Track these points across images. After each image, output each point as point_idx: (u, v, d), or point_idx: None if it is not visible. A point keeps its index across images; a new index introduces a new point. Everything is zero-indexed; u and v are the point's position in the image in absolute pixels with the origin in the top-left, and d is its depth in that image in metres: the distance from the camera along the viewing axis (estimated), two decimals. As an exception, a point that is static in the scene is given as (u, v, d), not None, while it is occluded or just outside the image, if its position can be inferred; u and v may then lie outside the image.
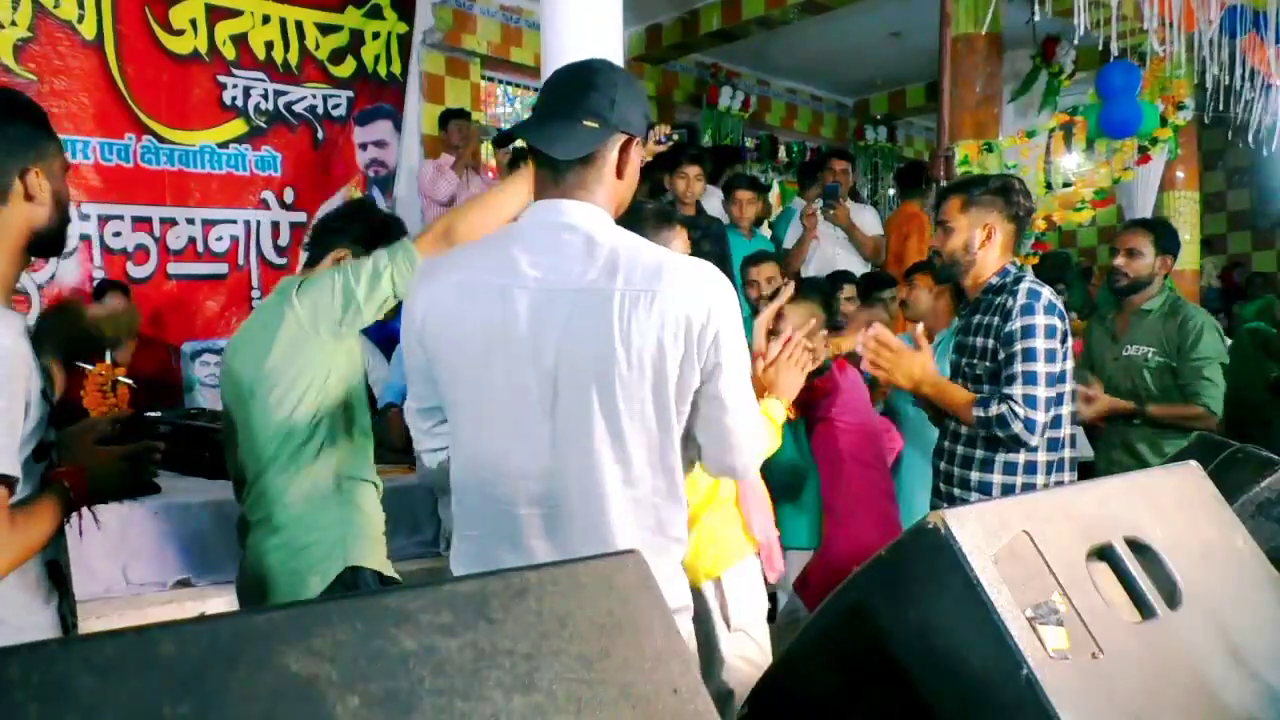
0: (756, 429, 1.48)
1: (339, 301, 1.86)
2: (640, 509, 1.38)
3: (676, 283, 1.32)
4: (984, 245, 2.36)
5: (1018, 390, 2.21)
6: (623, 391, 1.32)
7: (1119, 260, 3.22)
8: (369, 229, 2.03)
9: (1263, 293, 8.04)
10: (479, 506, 1.43)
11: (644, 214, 1.97)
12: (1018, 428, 2.20)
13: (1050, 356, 2.22)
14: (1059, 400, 2.28)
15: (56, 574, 1.48)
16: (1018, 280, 2.32)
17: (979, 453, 2.35)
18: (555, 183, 1.40)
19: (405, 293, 1.85)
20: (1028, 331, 2.23)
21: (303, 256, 2.14)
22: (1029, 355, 2.22)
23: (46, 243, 1.47)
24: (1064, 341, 2.27)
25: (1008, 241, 2.38)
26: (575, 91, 1.41)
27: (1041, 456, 2.30)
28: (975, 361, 2.36)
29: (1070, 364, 2.32)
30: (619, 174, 1.43)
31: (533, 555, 1.38)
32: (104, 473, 1.51)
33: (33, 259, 1.50)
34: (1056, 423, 2.30)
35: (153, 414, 3.51)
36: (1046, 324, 2.23)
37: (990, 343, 2.31)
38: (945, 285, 3.35)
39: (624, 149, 1.42)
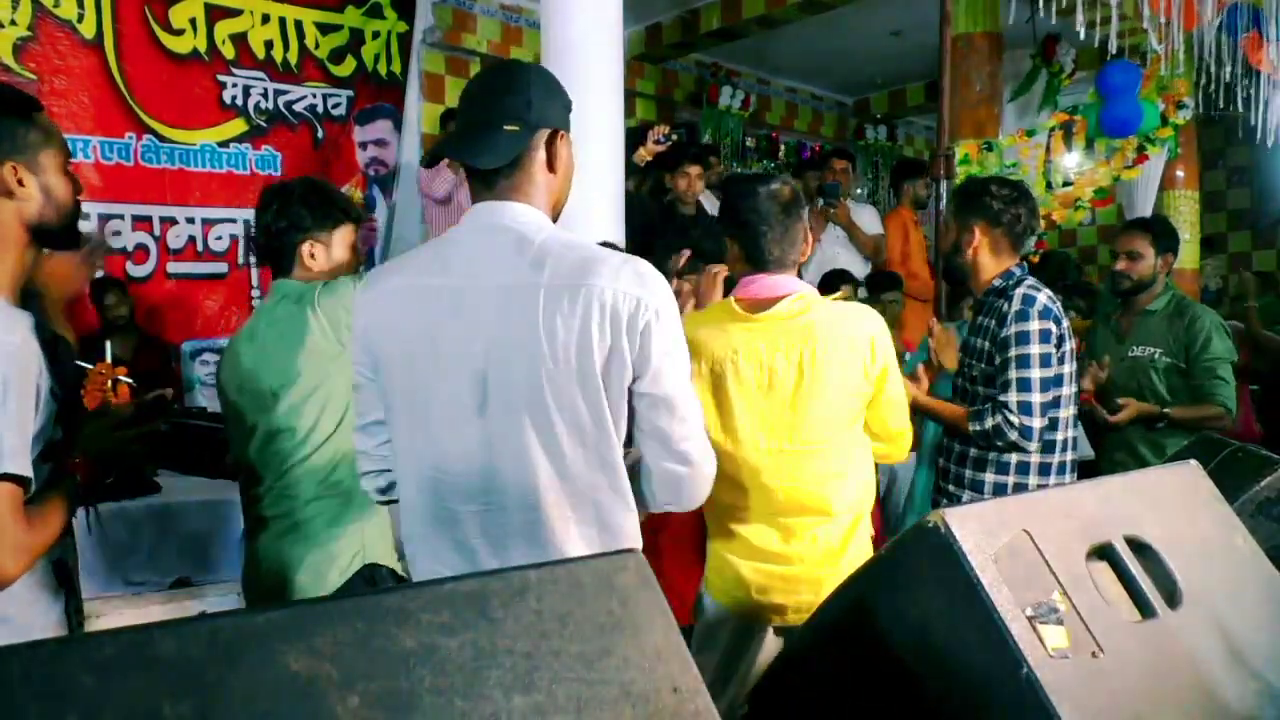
0: (704, 435, 1.45)
1: None
2: (580, 505, 1.37)
3: (604, 276, 1.32)
4: (968, 247, 2.39)
5: (1012, 398, 2.22)
6: (550, 387, 1.32)
7: (1120, 264, 3.21)
8: (308, 208, 2.02)
9: (1263, 292, 8.03)
10: (421, 506, 1.44)
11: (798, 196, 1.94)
12: (1014, 436, 2.22)
13: (1045, 361, 2.22)
14: (1056, 403, 2.28)
15: (63, 573, 1.48)
16: (1018, 284, 2.33)
17: (974, 451, 2.37)
18: (488, 188, 1.41)
19: None
20: (1021, 338, 2.23)
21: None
22: (1023, 362, 2.22)
23: (51, 235, 1.46)
24: (1060, 345, 2.26)
25: (997, 245, 2.38)
26: (491, 98, 1.41)
27: (1035, 458, 2.31)
28: (974, 363, 2.39)
29: (1070, 367, 2.31)
30: (551, 169, 1.43)
31: (473, 553, 1.39)
32: (111, 451, 1.52)
33: (45, 251, 1.50)
34: (1053, 426, 2.31)
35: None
36: (1040, 329, 2.23)
37: (986, 345, 2.33)
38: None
39: (550, 144, 1.42)
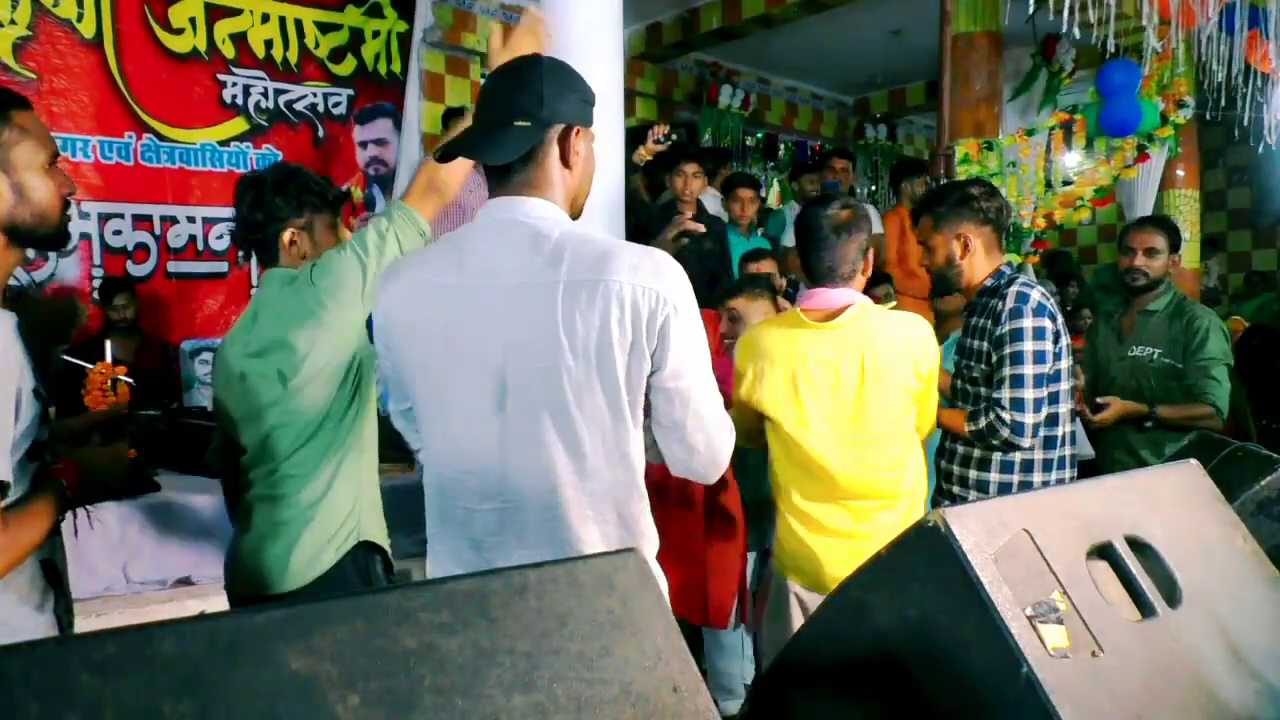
0: (721, 427, 1.44)
1: (355, 274, 1.89)
2: (599, 501, 1.37)
3: (621, 270, 1.31)
4: (964, 255, 2.39)
5: (1005, 395, 2.24)
6: (570, 383, 1.31)
7: (1138, 260, 3.17)
8: (283, 196, 2.01)
9: (1261, 291, 8.04)
10: (441, 504, 1.45)
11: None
12: (1005, 433, 2.24)
13: (1040, 358, 2.23)
14: (1055, 399, 2.29)
15: (52, 573, 1.47)
16: (1011, 282, 2.33)
17: (977, 451, 2.37)
18: (503, 183, 1.41)
19: (411, 249, 1.90)
20: (1016, 335, 2.24)
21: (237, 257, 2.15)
22: (1017, 359, 2.24)
23: (30, 236, 1.43)
24: (1056, 341, 2.27)
25: (989, 244, 2.40)
26: (503, 95, 1.41)
27: (1038, 455, 2.31)
28: (972, 364, 2.39)
29: (1067, 362, 2.32)
30: (566, 164, 1.42)
31: (489, 551, 1.39)
32: (101, 470, 1.51)
33: (34, 256, 1.49)
34: (1053, 421, 2.31)
35: (151, 412, 3.51)
36: (1035, 326, 2.24)
37: (984, 345, 2.34)
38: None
39: (564, 139, 1.41)
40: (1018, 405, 2.22)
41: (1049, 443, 2.32)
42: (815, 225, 2.12)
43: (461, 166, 1.93)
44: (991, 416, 2.25)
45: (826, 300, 2.12)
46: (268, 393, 1.94)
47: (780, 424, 2.11)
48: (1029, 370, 2.22)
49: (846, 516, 2.12)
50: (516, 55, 1.67)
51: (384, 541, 2.07)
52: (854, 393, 2.07)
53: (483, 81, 1.52)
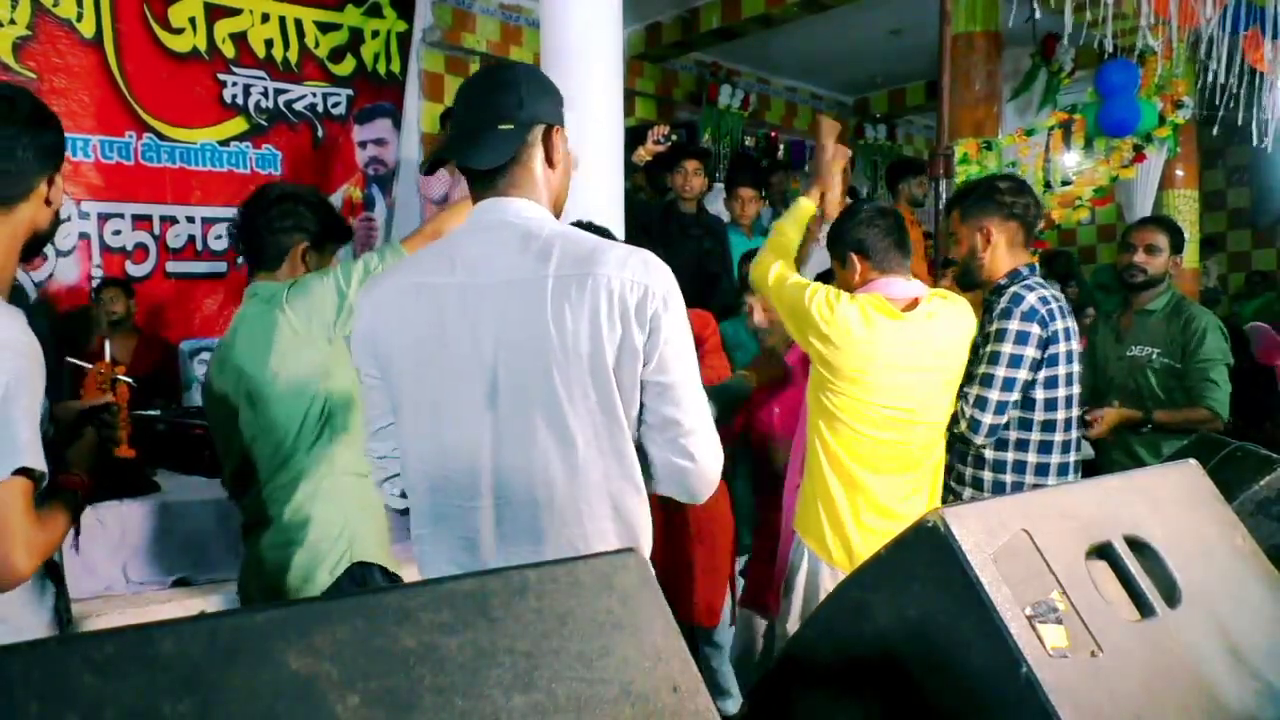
0: (711, 437, 1.42)
1: (331, 302, 1.89)
2: (593, 496, 1.36)
3: (610, 265, 1.32)
4: (986, 249, 2.38)
5: (972, 390, 2.28)
6: (560, 377, 1.32)
7: (1139, 257, 3.17)
8: (314, 212, 2.08)
9: (1262, 291, 8.04)
10: (430, 504, 1.44)
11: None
12: (962, 425, 2.28)
13: (1015, 362, 2.24)
14: (1052, 405, 2.29)
15: (53, 571, 1.49)
16: (1018, 282, 2.33)
17: (973, 449, 2.38)
18: (489, 186, 1.42)
19: None
20: (999, 335, 2.27)
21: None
22: (993, 358, 2.26)
23: (38, 245, 1.49)
24: (1045, 347, 2.26)
25: (1012, 240, 2.39)
26: (482, 99, 1.43)
27: (1032, 458, 2.32)
28: (974, 360, 2.39)
29: (1068, 369, 2.30)
30: (549, 163, 1.44)
31: (483, 548, 1.39)
32: (81, 460, 1.53)
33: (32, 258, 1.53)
34: (1051, 427, 2.31)
35: (151, 412, 3.51)
36: (1018, 329, 2.24)
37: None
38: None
39: (546, 138, 1.43)
40: (980, 403, 2.25)
41: (1045, 447, 2.32)
42: (890, 218, 2.28)
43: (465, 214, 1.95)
44: (957, 406, 2.29)
45: (905, 290, 2.23)
46: (246, 413, 1.94)
47: (853, 394, 2.17)
48: (1000, 372, 2.24)
49: (896, 495, 2.22)
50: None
51: (385, 562, 2.05)
52: (927, 374, 2.19)
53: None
